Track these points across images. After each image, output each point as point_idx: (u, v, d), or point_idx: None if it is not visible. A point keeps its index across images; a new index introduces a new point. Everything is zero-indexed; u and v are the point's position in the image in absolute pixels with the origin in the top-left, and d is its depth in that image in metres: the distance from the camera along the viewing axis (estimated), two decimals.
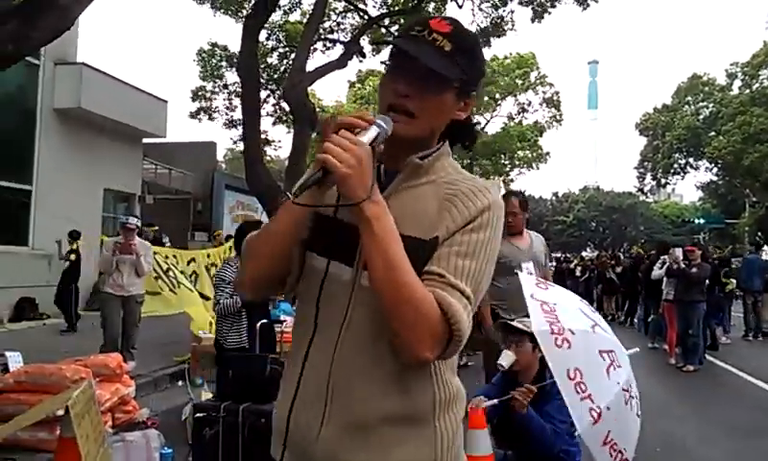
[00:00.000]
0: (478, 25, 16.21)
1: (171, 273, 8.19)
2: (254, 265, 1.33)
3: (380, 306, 1.14)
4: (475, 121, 1.41)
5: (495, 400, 3.06)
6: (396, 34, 1.33)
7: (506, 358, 3.16)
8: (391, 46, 1.32)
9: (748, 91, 32.83)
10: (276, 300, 8.68)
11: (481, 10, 16.03)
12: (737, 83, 35.17)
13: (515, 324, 3.26)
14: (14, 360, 5.65)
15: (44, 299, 11.28)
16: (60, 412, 3.75)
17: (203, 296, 8.12)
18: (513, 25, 16.13)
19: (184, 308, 7.97)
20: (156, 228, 11.21)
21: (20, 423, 3.51)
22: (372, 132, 1.16)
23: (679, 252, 9.41)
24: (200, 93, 20.25)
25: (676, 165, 38.83)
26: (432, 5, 15.69)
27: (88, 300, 12.82)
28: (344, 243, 1.24)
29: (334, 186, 1.15)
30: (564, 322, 2.69)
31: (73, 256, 10.06)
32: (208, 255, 8.87)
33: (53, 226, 11.80)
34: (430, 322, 1.12)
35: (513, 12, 16.03)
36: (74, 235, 10.35)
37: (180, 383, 7.08)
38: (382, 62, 1.23)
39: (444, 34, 1.22)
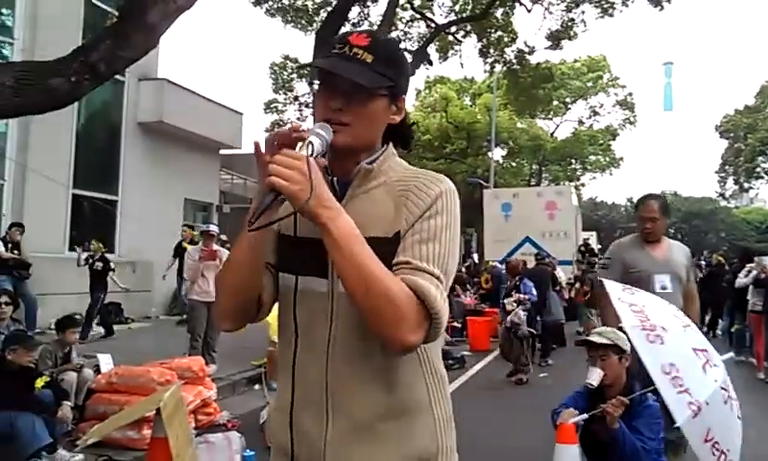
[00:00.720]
0: (549, 29, 15.93)
1: None
2: (224, 298, 1.38)
3: (355, 302, 1.18)
4: (412, 122, 1.46)
5: (585, 416, 2.99)
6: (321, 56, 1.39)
7: (594, 376, 3.09)
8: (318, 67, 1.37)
9: None
10: None
11: (551, 13, 15.70)
12: None
13: (593, 339, 3.18)
14: (106, 362, 5.98)
15: (129, 305, 11.85)
16: (151, 413, 3.95)
17: None
18: (585, 25, 15.73)
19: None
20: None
21: (118, 421, 3.72)
22: (314, 141, 1.21)
23: (767, 260, 8.92)
24: (272, 105, 20.82)
25: (759, 169, 36.73)
26: (500, 10, 15.53)
27: (169, 304, 13.40)
28: (314, 258, 1.28)
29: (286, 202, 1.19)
30: (655, 320, 2.62)
31: (99, 265, 9.78)
32: None
33: (137, 234, 12.40)
34: (406, 306, 1.15)
35: (584, 12, 15.65)
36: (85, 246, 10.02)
37: (256, 387, 7.26)
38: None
39: (363, 47, 1.28)
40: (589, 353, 3.19)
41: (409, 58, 15.07)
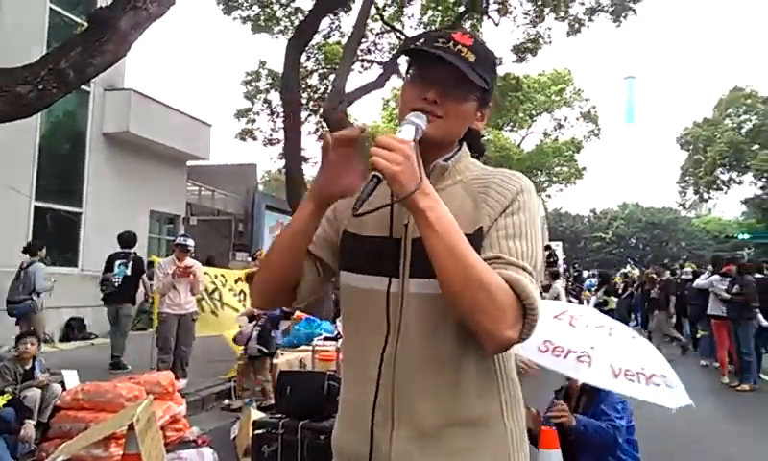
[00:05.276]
0: (515, 43, 16.24)
1: (216, 294, 8.31)
2: (265, 271, 1.38)
3: (451, 294, 1.13)
4: (482, 134, 1.47)
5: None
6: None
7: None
8: (413, 53, 1.35)
9: None
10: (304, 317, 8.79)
11: (518, 26, 16.04)
12: None
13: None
14: (71, 378, 5.79)
15: (92, 319, 11.54)
16: (121, 429, 3.83)
17: None
18: (549, 40, 16.10)
19: (223, 332, 8.08)
20: None
21: (88, 438, 3.59)
22: (410, 128, 1.19)
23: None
24: (247, 113, 20.65)
25: (718, 180, 37.87)
26: (469, 23, 15.76)
27: (135, 318, 13.07)
28: (386, 257, 1.27)
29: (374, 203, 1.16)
30: None
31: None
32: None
33: (102, 247, 12.10)
34: (504, 300, 1.11)
35: (550, 28, 16.08)
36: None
37: (226, 402, 7.13)
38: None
39: (467, 46, 1.26)
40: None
41: (379, 70, 15.19)
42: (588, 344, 2.75)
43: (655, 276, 14.27)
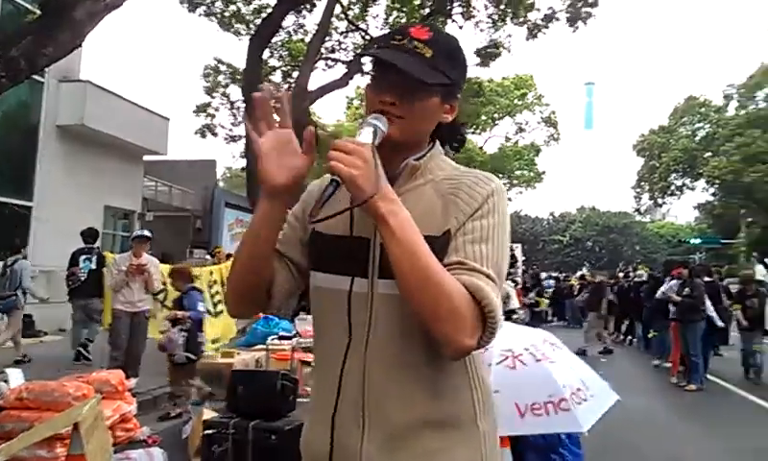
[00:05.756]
0: (477, 47, 16.43)
1: (160, 295, 8.14)
2: (233, 279, 1.33)
3: (411, 301, 1.11)
4: (463, 122, 1.41)
5: None
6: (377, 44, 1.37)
7: None
8: (370, 56, 1.33)
9: (744, 112, 33.09)
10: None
11: (482, 31, 16.23)
12: (734, 104, 35.49)
13: None
14: (15, 377, 5.60)
15: (42, 316, 11.20)
16: (66, 429, 3.72)
17: (207, 311, 8.07)
18: (509, 47, 16.42)
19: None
20: None
21: (28, 439, 3.46)
22: (369, 130, 1.16)
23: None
24: (206, 109, 20.33)
25: (672, 186, 39.03)
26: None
27: None
28: (352, 257, 1.24)
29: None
30: None
31: None
32: (211, 273, 8.82)
33: (53, 242, 11.76)
34: (464, 307, 1.09)
35: (510, 36, 16.45)
36: None
37: (184, 400, 6.99)
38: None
39: (424, 40, 1.22)
40: None
41: (343, 69, 15.16)
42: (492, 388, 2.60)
43: (590, 278, 14.76)
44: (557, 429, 2.68)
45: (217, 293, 8.30)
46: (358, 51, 16.05)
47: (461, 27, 15.78)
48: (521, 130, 34.44)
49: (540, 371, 2.79)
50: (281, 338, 7.82)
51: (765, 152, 28.76)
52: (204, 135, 20.51)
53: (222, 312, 8.22)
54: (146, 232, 7.59)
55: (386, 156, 1.22)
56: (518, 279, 18.07)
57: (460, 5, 15.59)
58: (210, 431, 3.73)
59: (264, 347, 7.59)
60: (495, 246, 1.19)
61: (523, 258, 23.35)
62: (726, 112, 35.81)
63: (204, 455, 3.82)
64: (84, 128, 12.61)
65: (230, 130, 20.56)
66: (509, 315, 10.21)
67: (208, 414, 4.91)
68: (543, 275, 25.59)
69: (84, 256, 8.59)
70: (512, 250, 18.29)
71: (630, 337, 14.78)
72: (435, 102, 1.26)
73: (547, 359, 2.86)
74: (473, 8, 15.66)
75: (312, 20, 15.60)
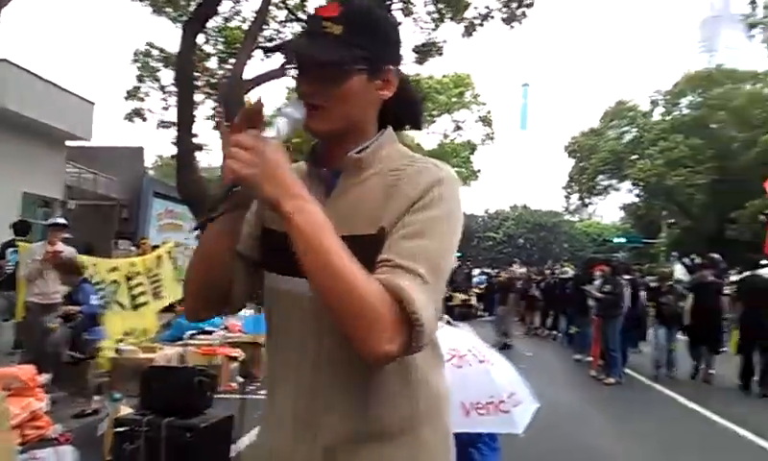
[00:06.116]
0: (416, 45, 16.55)
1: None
2: (191, 283, 1.26)
3: (324, 303, 1.03)
4: (420, 96, 1.33)
5: None
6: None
7: None
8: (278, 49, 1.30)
9: (669, 118, 34.76)
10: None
11: (421, 29, 16.35)
12: (659, 109, 37.22)
13: None
14: None
15: None
16: None
17: (119, 304, 7.77)
18: (442, 47, 16.65)
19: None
20: None
21: None
22: (283, 121, 1.11)
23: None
24: (136, 93, 19.58)
25: (599, 186, 40.59)
26: None
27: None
28: (292, 254, 1.18)
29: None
30: None
31: None
32: (133, 264, 8.48)
33: None
34: (378, 309, 0.99)
35: (446, 41, 16.73)
36: None
37: (96, 398, 6.74)
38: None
39: (332, 18, 1.14)
40: None
41: (281, 58, 14.93)
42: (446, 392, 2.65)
43: (502, 275, 15.90)
44: (497, 429, 2.74)
45: (139, 284, 8.00)
46: None
47: (400, 23, 15.83)
48: (459, 128, 34.94)
49: (483, 372, 2.84)
50: (205, 333, 7.63)
51: (687, 156, 30.33)
52: (132, 120, 19.76)
53: (144, 304, 7.94)
54: (61, 220, 7.30)
55: (330, 150, 1.19)
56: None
57: (400, 0, 15.63)
58: (122, 429, 3.60)
59: (191, 342, 7.40)
60: (434, 239, 1.08)
61: (459, 255, 23.73)
62: (652, 117, 37.53)
63: (116, 453, 3.69)
64: (2, 110, 12.00)
65: (162, 115, 19.92)
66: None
67: (125, 411, 4.75)
68: (476, 271, 26.12)
69: (11, 249, 8.23)
70: None
71: (554, 332, 15.27)
72: (359, 81, 1.15)
73: (488, 361, 2.92)
74: (413, 4, 15.74)
75: (249, 7, 15.27)
